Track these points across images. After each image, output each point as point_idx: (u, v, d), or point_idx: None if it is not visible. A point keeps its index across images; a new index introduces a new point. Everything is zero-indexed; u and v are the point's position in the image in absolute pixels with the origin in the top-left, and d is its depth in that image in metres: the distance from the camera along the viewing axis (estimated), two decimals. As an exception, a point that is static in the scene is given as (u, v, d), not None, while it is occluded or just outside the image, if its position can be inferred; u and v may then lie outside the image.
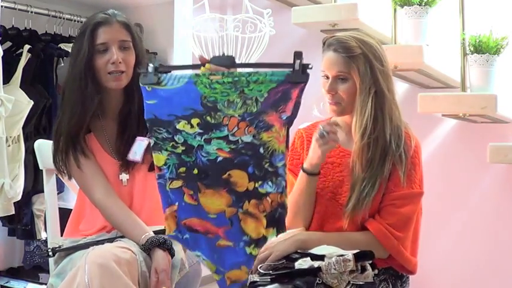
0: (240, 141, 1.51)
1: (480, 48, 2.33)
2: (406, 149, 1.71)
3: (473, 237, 2.87)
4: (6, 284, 2.90)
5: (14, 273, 3.02)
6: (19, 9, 2.73)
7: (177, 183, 1.53)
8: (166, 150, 1.53)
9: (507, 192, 2.79)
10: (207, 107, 1.50)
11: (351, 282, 1.52)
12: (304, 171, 1.73)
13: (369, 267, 1.53)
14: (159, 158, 1.54)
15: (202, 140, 1.51)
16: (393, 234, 1.66)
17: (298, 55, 1.49)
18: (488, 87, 2.35)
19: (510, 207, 2.78)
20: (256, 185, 1.51)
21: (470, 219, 2.88)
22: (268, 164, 1.51)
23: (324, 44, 1.74)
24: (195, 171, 1.52)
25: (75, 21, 2.98)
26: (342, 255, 1.51)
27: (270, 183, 1.51)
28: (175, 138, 1.52)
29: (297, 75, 1.48)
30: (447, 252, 2.92)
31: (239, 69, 1.55)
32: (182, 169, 1.52)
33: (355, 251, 1.53)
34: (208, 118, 1.50)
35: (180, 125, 1.51)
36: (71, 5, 3.02)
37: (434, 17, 2.47)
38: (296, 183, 1.75)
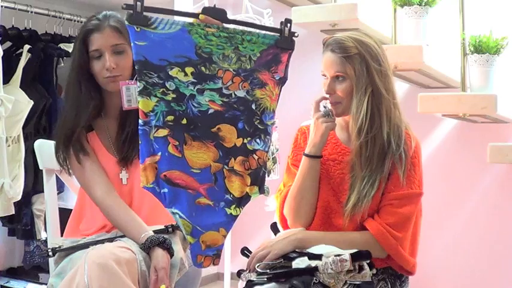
0: (233, 95, 1.53)
1: (480, 48, 2.33)
2: (406, 149, 1.71)
3: (473, 237, 2.87)
4: (6, 284, 2.91)
5: (14, 273, 3.03)
6: (19, 9, 2.74)
7: (162, 132, 1.50)
8: (156, 96, 1.49)
9: (507, 192, 2.79)
10: (202, 57, 1.51)
11: (348, 282, 1.52)
12: (307, 155, 1.73)
13: (366, 267, 1.53)
14: (147, 104, 1.49)
15: (195, 89, 1.51)
16: (392, 234, 1.66)
17: (287, 22, 1.59)
18: (488, 87, 2.35)
19: (510, 207, 2.79)
20: (245, 141, 1.54)
21: (470, 219, 2.88)
22: (258, 121, 1.55)
23: (323, 44, 1.75)
24: (184, 121, 1.50)
25: (75, 21, 2.99)
26: (339, 255, 1.51)
27: (258, 140, 1.55)
28: (167, 84, 1.50)
29: (286, 41, 1.59)
30: (447, 252, 2.92)
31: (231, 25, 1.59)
32: (170, 117, 1.50)
33: (352, 251, 1.54)
34: (203, 68, 1.51)
35: (173, 72, 1.50)
36: (71, 5, 3.03)
37: (434, 17, 2.47)
38: (298, 172, 1.76)
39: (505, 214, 2.80)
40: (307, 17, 2.48)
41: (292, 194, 1.76)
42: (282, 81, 1.60)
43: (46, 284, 1.74)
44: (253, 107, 1.54)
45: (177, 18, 1.58)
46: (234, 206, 1.54)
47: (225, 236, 1.54)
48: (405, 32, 2.45)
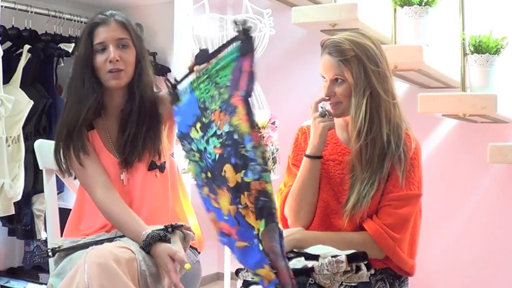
0: (223, 133, 1.46)
1: (480, 48, 2.33)
2: (405, 150, 1.71)
3: (473, 238, 2.87)
4: (6, 284, 2.91)
5: (14, 273, 3.03)
6: (19, 9, 2.74)
7: (205, 190, 1.57)
8: (191, 160, 1.59)
9: (507, 192, 2.79)
10: (201, 108, 1.51)
11: (344, 283, 1.52)
12: (307, 156, 1.73)
13: (363, 267, 1.53)
14: (191, 169, 1.61)
15: (204, 141, 1.51)
16: (390, 235, 1.66)
17: (239, 23, 1.39)
18: (488, 87, 2.35)
19: (510, 207, 2.78)
20: (242, 175, 1.43)
21: (470, 219, 2.88)
22: (244, 149, 1.42)
23: (321, 46, 1.75)
24: (209, 174, 1.53)
25: (75, 21, 2.99)
26: (335, 256, 1.51)
27: (248, 171, 1.44)
28: (192, 146, 1.56)
29: (245, 44, 1.40)
30: (447, 252, 2.92)
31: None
32: (203, 175, 1.55)
33: (348, 252, 1.54)
34: (204, 119, 1.51)
35: (193, 133, 1.55)
36: (71, 5, 3.03)
37: (434, 17, 2.47)
38: (299, 172, 1.76)
39: (505, 214, 2.79)
40: (307, 17, 2.49)
41: (292, 194, 1.76)
42: (246, 94, 1.40)
43: (46, 284, 1.74)
44: (236, 136, 1.43)
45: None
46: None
47: (272, 271, 1.43)
48: (405, 32, 2.45)
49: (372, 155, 1.68)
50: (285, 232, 1.74)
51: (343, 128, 1.80)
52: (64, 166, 1.77)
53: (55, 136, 1.80)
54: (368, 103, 1.67)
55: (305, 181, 1.74)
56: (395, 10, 2.49)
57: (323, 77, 1.73)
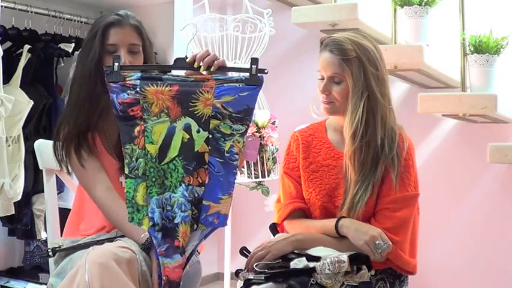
0: None
1: (480, 48, 2.33)
2: (398, 152, 1.70)
3: (473, 237, 2.87)
4: (6, 284, 2.91)
5: (14, 273, 3.03)
6: (19, 9, 2.74)
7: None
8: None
9: (507, 192, 2.79)
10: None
11: (345, 283, 1.52)
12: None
13: (364, 267, 1.54)
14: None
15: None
16: (390, 239, 1.64)
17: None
18: (488, 87, 2.35)
19: (510, 207, 2.79)
20: None
21: (470, 219, 2.88)
22: None
23: (321, 43, 1.74)
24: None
25: (75, 21, 2.99)
26: (336, 257, 1.51)
27: None
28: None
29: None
30: (447, 252, 2.92)
31: None
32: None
33: (350, 253, 1.53)
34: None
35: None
36: (71, 5, 3.03)
37: (434, 17, 2.47)
38: (321, 224, 1.72)
39: (505, 214, 2.80)
40: (307, 17, 2.49)
41: (301, 227, 1.75)
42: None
43: (46, 284, 1.74)
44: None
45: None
46: None
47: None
48: (405, 32, 2.45)
49: (365, 158, 1.68)
50: (285, 234, 1.74)
51: (336, 129, 1.80)
52: (64, 164, 1.76)
53: (54, 132, 1.78)
54: (365, 106, 1.67)
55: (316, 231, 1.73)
56: (395, 10, 2.49)
57: (321, 75, 1.73)
